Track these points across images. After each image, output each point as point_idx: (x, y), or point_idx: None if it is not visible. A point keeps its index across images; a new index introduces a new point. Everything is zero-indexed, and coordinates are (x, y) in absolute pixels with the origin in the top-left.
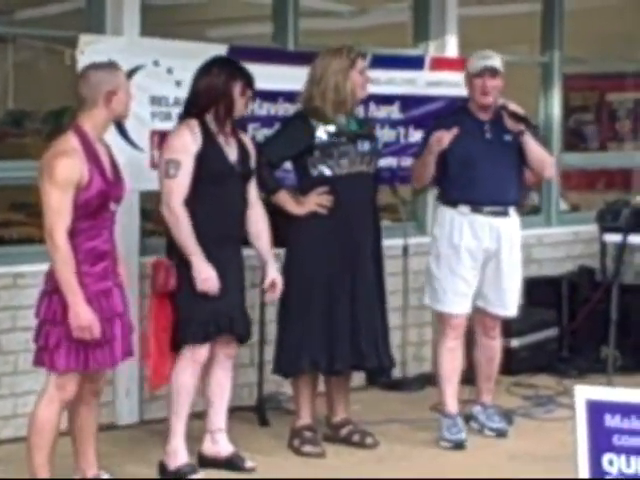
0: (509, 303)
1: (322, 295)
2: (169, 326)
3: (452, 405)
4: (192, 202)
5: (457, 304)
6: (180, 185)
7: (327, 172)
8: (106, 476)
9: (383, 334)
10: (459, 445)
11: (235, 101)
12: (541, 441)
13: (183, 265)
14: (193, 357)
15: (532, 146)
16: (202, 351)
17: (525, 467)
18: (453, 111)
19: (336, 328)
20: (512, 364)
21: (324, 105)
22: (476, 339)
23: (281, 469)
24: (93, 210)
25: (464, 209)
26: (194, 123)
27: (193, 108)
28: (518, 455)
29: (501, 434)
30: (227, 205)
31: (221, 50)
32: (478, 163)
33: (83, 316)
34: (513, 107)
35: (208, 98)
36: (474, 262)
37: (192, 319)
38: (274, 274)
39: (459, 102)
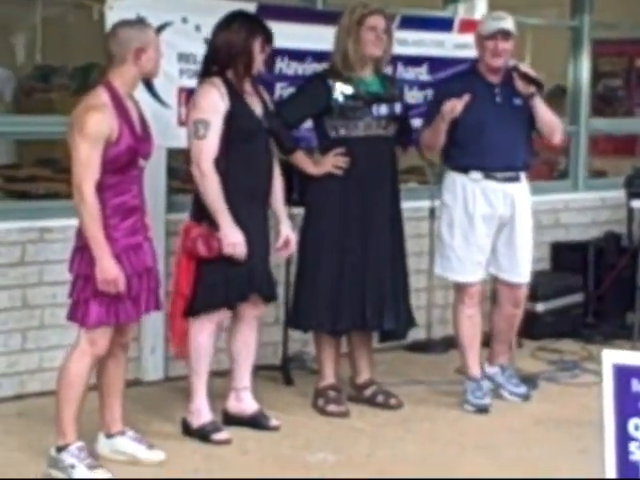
0: (522, 270)
1: (332, 254)
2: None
3: (475, 369)
4: (222, 161)
5: (473, 273)
6: (210, 145)
7: (343, 133)
8: (130, 433)
9: (395, 296)
10: (483, 409)
11: (255, 58)
12: (565, 406)
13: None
14: (210, 317)
15: (542, 110)
16: (220, 313)
17: (549, 432)
18: (461, 74)
19: (343, 288)
20: (537, 328)
21: (342, 64)
22: (500, 307)
23: (305, 428)
24: (122, 165)
25: (476, 175)
26: (219, 82)
27: (213, 65)
28: (542, 419)
29: (526, 398)
30: (257, 162)
31: (250, 8)
32: (489, 128)
33: (109, 270)
34: (525, 68)
35: (228, 55)
36: (488, 230)
37: (220, 281)
38: (287, 231)
39: (468, 65)
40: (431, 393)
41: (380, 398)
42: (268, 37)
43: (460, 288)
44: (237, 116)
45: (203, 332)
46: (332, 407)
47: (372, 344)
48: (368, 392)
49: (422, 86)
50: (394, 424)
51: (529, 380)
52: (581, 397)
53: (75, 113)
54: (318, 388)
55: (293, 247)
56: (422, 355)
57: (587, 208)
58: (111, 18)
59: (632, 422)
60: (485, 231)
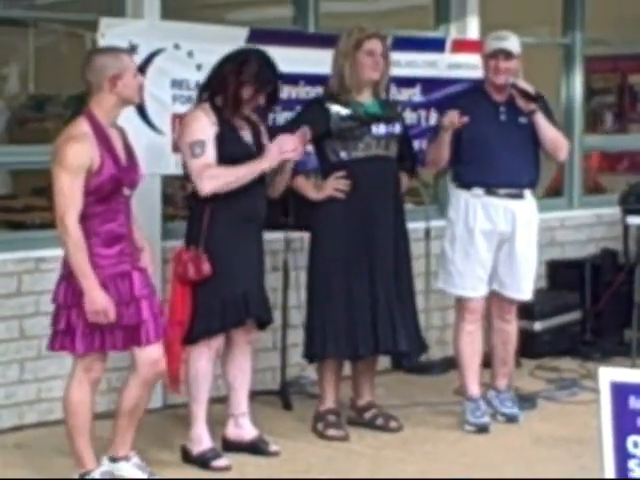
0: (524, 286)
1: (342, 279)
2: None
3: (474, 389)
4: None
5: (473, 287)
6: (209, 161)
7: (344, 156)
8: (135, 459)
9: (405, 318)
10: (483, 429)
11: (242, 101)
12: (565, 424)
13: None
14: (209, 344)
15: (544, 127)
16: (218, 339)
17: (549, 450)
18: (468, 92)
19: (356, 312)
20: (535, 347)
21: (340, 88)
22: (492, 323)
23: (305, 453)
24: (106, 194)
25: (478, 191)
26: (207, 107)
27: (205, 92)
28: (542, 438)
29: (511, 419)
30: (249, 186)
31: (242, 33)
32: (492, 145)
33: (98, 300)
34: (523, 85)
35: (218, 90)
36: (489, 245)
37: (215, 307)
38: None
39: (475, 83)
40: (431, 414)
41: (380, 421)
42: (261, 86)
43: (461, 303)
44: (225, 141)
45: (202, 359)
46: (332, 431)
47: (375, 368)
48: (368, 415)
49: (415, 107)
50: (394, 446)
51: (528, 399)
52: (580, 415)
53: (56, 144)
54: (318, 412)
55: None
56: (421, 377)
57: (583, 225)
58: (104, 45)
59: (630, 439)
60: (485, 246)
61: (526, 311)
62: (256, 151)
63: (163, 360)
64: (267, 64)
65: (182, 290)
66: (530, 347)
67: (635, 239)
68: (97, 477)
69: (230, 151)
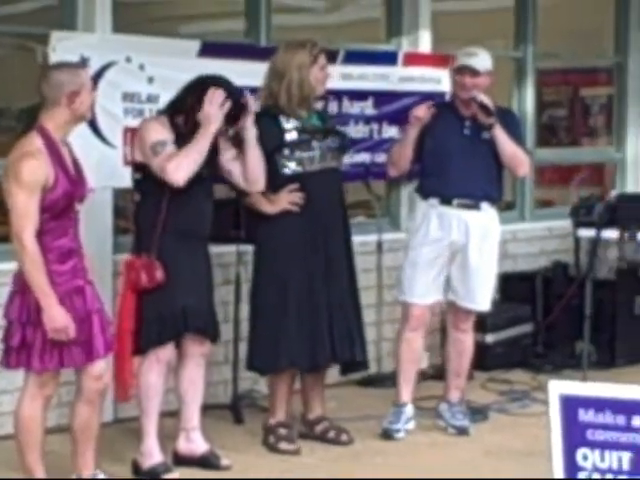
0: (478, 298)
1: (296, 292)
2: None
3: (402, 394)
4: (163, 200)
5: (418, 294)
6: (172, 153)
7: (298, 169)
8: (102, 475)
9: (358, 329)
10: (387, 435)
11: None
12: (516, 436)
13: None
14: (157, 357)
15: (503, 142)
16: (166, 351)
17: (500, 462)
18: (437, 104)
19: (313, 324)
20: (487, 360)
21: (289, 101)
22: (448, 333)
23: (256, 467)
24: (59, 210)
25: (434, 201)
26: (164, 119)
27: (169, 109)
28: (493, 451)
29: (462, 432)
30: (193, 202)
31: (194, 46)
32: (452, 157)
33: (58, 318)
34: (482, 99)
35: (180, 113)
36: (439, 253)
37: (155, 319)
38: None
39: (434, 98)
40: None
41: (331, 434)
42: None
43: (404, 308)
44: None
45: (152, 372)
46: (284, 445)
47: (324, 380)
48: (319, 428)
49: (368, 120)
50: (346, 459)
51: (479, 412)
52: (531, 427)
53: (9, 160)
54: (269, 425)
55: None
56: (372, 389)
57: (534, 238)
58: (54, 59)
59: (580, 452)
60: (436, 254)
61: (478, 324)
62: (206, 172)
63: (107, 374)
64: (230, 92)
65: (132, 298)
66: (482, 359)
67: (586, 252)
68: None
69: None
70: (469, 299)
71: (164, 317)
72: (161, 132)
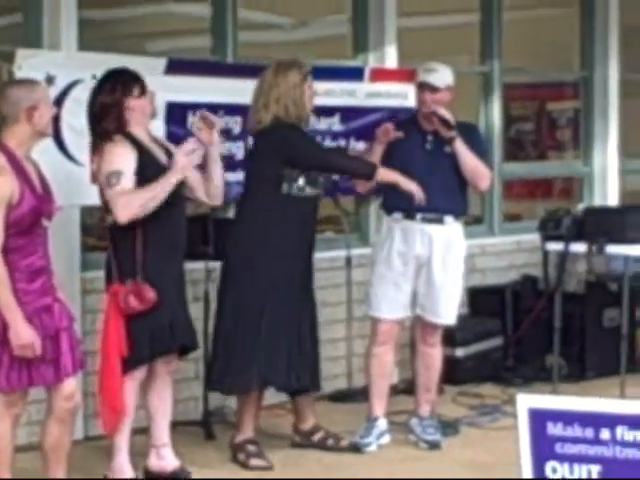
0: (443, 311)
1: (273, 310)
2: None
3: (374, 408)
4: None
5: (386, 309)
6: (123, 189)
7: (295, 191)
8: None
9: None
10: (356, 448)
11: (138, 109)
12: (487, 450)
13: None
14: (133, 375)
15: (464, 155)
16: (142, 370)
17: (470, 476)
18: (402, 121)
19: (286, 344)
20: (457, 374)
21: (288, 120)
22: (416, 347)
23: None
24: (26, 227)
25: (397, 216)
26: (119, 137)
27: (106, 126)
28: (464, 464)
29: (433, 446)
30: (172, 213)
31: (159, 63)
32: (414, 172)
33: (23, 335)
34: (442, 112)
35: (112, 115)
36: (405, 268)
37: (146, 338)
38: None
39: (401, 113)
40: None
41: (331, 442)
42: (142, 85)
43: (373, 323)
44: (145, 168)
45: (128, 390)
46: (255, 461)
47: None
48: (317, 437)
49: (335, 136)
50: (317, 473)
51: (450, 426)
52: (501, 441)
53: None
54: (236, 442)
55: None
56: (343, 404)
57: (503, 252)
58: (20, 77)
59: (549, 465)
60: (402, 269)
61: (448, 338)
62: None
63: (78, 394)
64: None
65: (118, 324)
66: (452, 373)
67: (555, 265)
68: None
69: (152, 177)
70: (434, 313)
71: (154, 335)
72: (119, 159)
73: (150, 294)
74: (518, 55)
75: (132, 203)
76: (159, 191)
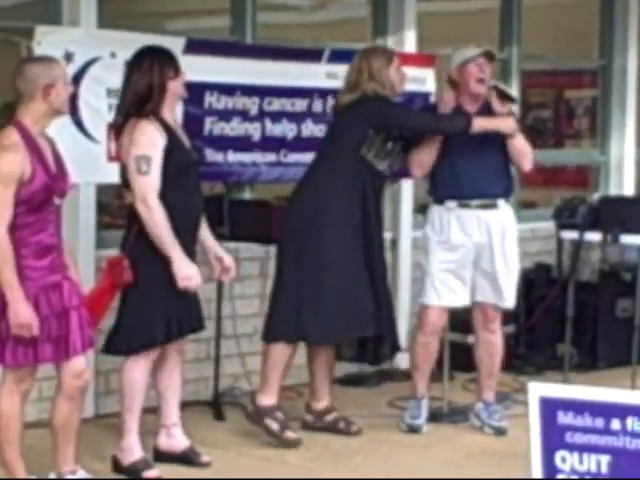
0: (506, 294)
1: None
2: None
3: (420, 388)
4: (161, 196)
5: (440, 298)
6: (153, 180)
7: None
8: (82, 472)
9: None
10: (414, 429)
11: (171, 90)
12: (497, 438)
13: (147, 262)
14: (147, 355)
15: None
16: (157, 350)
17: (481, 464)
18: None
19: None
20: (468, 360)
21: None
22: (477, 335)
23: (236, 464)
24: (37, 204)
25: (451, 204)
26: (152, 119)
27: (141, 104)
28: (474, 452)
29: (500, 433)
30: (190, 196)
31: (178, 42)
32: (462, 158)
33: (22, 314)
34: (503, 86)
35: (151, 93)
36: (464, 256)
37: (161, 319)
38: (227, 257)
39: (418, 98)
40: (363, 426)
41: (342, 425)
42: (177, 66)
43: (423, 312)
44: (173, 151)
45: (137, 368)
46: (289, 434)
47: (333, 369)
48: (329, 418)
49: None
50: (326, 459)
51: (461, 412)
52: (512, 429)
53: None
54: (262, 406)
55: (233, 271)
56: (354, 388)
57: (518, 239)
58: (39, 53)
59: (559, 454)
60: (461, 258)
61: (460, 324)
62: (197, 159)
63: (87, 372)
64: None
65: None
66: (463, 360)
67: (569, 254)
68: None
69: (178, 159)
70: (499, 297)
71: (170, 316)
72: (150, 141)
73: (126, 274)
74: (537, 42)
75: (152, 213)
76: (166, 243)
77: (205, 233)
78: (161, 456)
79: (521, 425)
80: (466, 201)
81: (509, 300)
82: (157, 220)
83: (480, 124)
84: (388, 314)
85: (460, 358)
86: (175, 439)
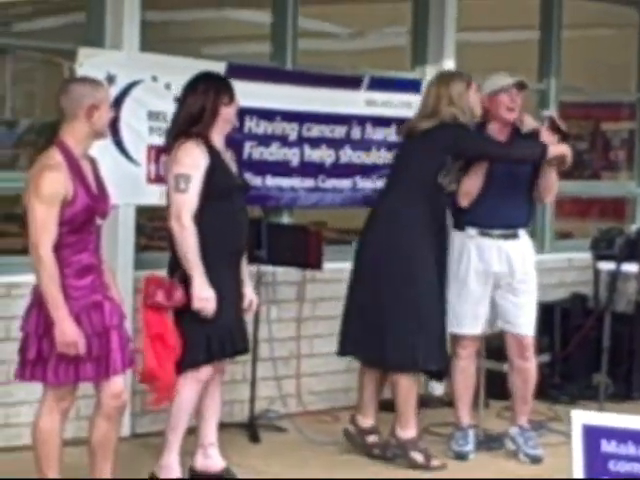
0: (524, 321)
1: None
2: (164, 335)
3: (464, 418)
4: (200, 218)
5: (468, 325)
6: (191, 199)
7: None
8: None
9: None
10: (461, 456)
11: (223, 116)
12: (532, 466)
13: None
14: (198, 375)
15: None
16: (207, 370)
17: None
18: None
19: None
20: (504, 388)
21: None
22: (510, 363)
23: None
24: (79, 225)
25: (472, 232)
26: (198, 140)
27: (189, 126)
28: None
29: (536, 461)
30: (234, 219)
31: (220, 67)
32: (488, 186)
33: (68, 332)
34: (560, 121)
35: (202, 116)
36: (483, 285)
37: (202, 340)
38: (251, 294)
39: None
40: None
41: (376, 451)
42: (232, 94)
43: (454, 340)
44: (216, 173)
45: (190, 389)
46: (435, 463)
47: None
48: (370, 439)
49: (390, 147)
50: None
51: (496, 440)
52: (548, 457)
53: (30, 174)
54: (404, 440)
55: (255, 308)
56: (390, 414)
57: (553, 269)
58: (82, 75)
59: None
60: (479, 286)
61: (495, 352)
62: (242, 184)
63: (125, 392)
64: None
65: (160, 318)
66: (499, 388)
67: (605, 284)
68: None
69: (221, 182)
70: (517, 324)
71: (211, 338)
72: (192, 161)
73: (179, 294)
74: (575, 74)
75: (184, 231)
76: (191, 261)
77: (242, 264)
78: (197, 476)
79: (556, 453)
80: (487, 230)
81: (527, 327)
82: (187, 239)
83: (554, 150)
84: None
85: (495, 386)
86: (212, 459)
